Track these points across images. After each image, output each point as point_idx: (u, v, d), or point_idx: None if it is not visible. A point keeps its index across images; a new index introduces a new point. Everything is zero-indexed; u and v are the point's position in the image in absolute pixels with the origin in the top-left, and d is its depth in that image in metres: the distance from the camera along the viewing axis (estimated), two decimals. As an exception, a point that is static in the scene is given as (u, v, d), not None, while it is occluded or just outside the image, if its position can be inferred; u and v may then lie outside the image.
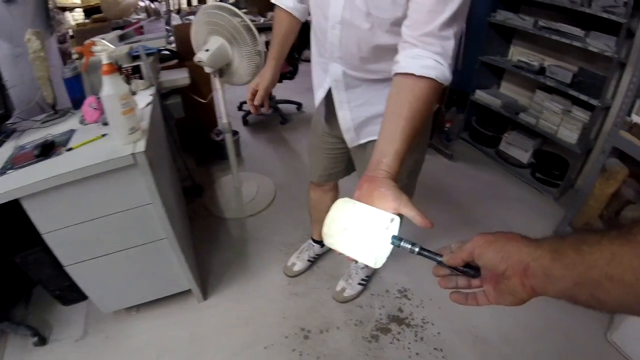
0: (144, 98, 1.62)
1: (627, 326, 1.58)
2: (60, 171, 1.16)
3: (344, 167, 1.54)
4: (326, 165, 1.54)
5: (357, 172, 1.45)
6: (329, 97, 1.20)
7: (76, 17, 3.74)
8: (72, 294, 1.69)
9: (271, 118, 3.68)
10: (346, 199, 0.64)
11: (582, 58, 2.37)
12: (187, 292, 1.73)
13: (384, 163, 0.70)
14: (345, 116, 1.20)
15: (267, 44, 3.91)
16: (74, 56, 1.93)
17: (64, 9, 3.56)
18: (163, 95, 2.06)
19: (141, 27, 2.63)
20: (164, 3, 4.46)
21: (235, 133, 2.83)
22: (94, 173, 1.20)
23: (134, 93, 1.69)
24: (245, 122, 3.56)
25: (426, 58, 0.75)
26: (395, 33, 0.89)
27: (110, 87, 1.18)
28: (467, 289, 0.58)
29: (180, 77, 2.08)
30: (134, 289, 1.63)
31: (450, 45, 0.77)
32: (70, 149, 1.27)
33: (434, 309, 1.78)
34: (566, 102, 2.40)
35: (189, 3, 5.26)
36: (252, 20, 1.83)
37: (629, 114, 1.80)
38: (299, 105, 3.82)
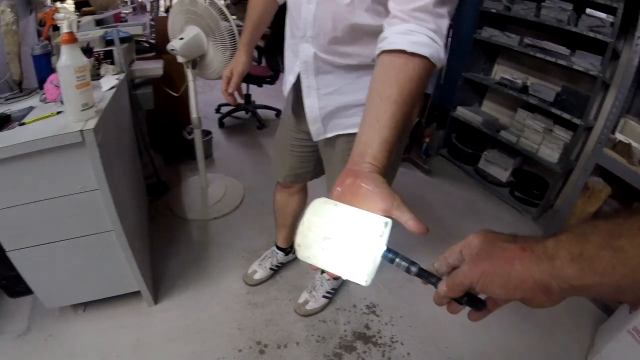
0: (110, 81, 1.58)
1: (610, 351, 1.57)
2: (7, 144, 1.11)
3: (312, 168, 1.47)
4: (292, 165, 1.47)
5: (326, 172, 1.38)
6: (298, 85, 1.14)
7: (67, 7, 3.78)
8: (18, 285, 1.59)
9: (248, 122, 3.67)
10: (324, 199, 0.53)
11: (566, 78, 2.44)
12: (137, 294, 1.64)
13: (370, 155, 0.60)
14: (312, 104, 1.13)
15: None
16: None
17: (54, -1, 3.62)
18: (135, 85, 2.02)
19: (120, 14, 2.60)
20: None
21: (208, 133, 2.81)
22: (40, 148, 1.14)
23: (101, 76, 1.64)
24: (221, 125, 3.54)
25: (419, 34, 0.67)
26: (375, 13, 0.85)
27: (67, 57, 1.13)
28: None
29: (153, 67, 2.03)
30: (79, 285, 1.55)
31: (444, 24, 0.70)
32: (22, 124, 1.22)
33: (405, 327, 1.72)
34: (548, 121, 2.45)
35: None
36: (240, 26, 1.83)
37: (612, 132, 1.82)
38: (278, 112, 3.80)
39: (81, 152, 1.19)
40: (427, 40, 0.66)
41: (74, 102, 1.18)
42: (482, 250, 0.46)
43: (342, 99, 1.10)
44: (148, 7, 4.00)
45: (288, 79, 1.18)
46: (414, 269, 0.49)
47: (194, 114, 2.12)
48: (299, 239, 0.50)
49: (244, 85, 3.55)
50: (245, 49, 1.35)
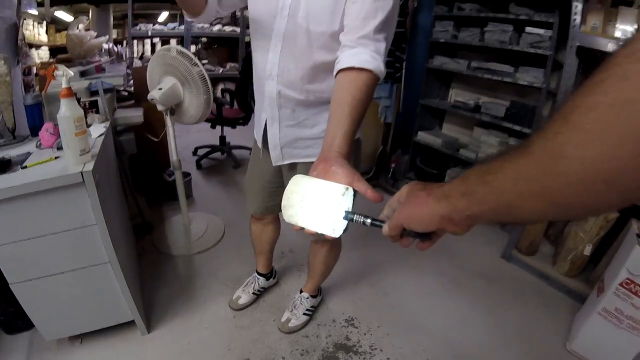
0: (98, 129, 1.82)
1: (586, 334, 1.78)
2: (15, 183, 1.32)
3: (281, 201, 1.70)
4: (264, 197, 1.67)
5: None
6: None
7: (41, 54, 3.97)
8: (16, 321, 1.75)
9: (224, 163, 3.98)
10: (302, 175, 0.74)
11: (515, 93, 2.78)
12: (131, 324, 1.81)
13: (336, 144, 0.83)
14: (274, 133, 1.36)
15: (224, 91, 4.23)
16: (36, 89, 2.11)
17: (30, 45, 3.82)
18: (118, 132, 2.27)
19: (102, 65, 2.93)
20: (127, 49, 4.84)
21: (187, 175, 3.06)
22: (45, 188, 1.35)
23: (89, 125, 1.87)
24: (198, 166, 3.82)
25: (364, 54, 0.95)
26: (329, 50, 1.11)
27: (67, 109, 1.38)
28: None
29: (134, 115, 2.31)
30: (78, 316, 1.70)
31: (382, 46, 1.00)
32: (25, 167, 1.44)
33: (382, 335, 1.92)
34: (503, 135, 2.78)
35: (152, 51, 5.70)
36: (211, 70, 2.13)
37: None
38: (252, 151, 4.11)
39: (81, 191, 1.42)
40: (371, 58, 0.95)
41: (73, 148, 1.42)
42: (406, 199, 0.62)
43: (300, 132, 1.35)
44: (124, 56, 4.34)
45: (261, 116, 1.41)
46: (368, 220, 0.67)
47: (174, 157, 2.39)
48: (284, 201, 0.70)
49: (218, 128, 3.88)
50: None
